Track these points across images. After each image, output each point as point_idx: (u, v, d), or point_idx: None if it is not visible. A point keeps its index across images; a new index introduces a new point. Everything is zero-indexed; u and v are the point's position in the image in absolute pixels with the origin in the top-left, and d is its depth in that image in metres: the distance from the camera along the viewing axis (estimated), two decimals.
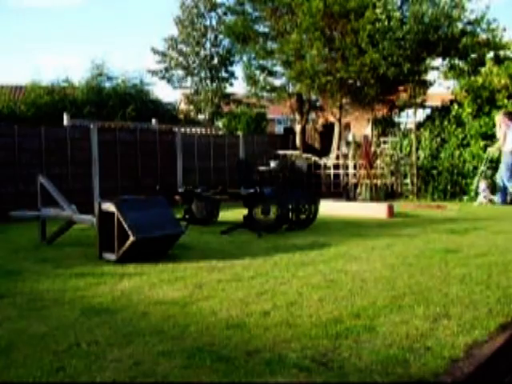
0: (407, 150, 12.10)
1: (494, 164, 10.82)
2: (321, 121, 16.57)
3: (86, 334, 2.75)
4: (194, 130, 13.28)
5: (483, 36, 12.05)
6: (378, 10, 11.45)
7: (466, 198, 11.22)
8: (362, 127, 16.89)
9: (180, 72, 20.02)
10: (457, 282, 3.76)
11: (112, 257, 4.73)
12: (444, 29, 11.54)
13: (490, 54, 11.62)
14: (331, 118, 14.93)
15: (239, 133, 13.68)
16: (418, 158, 11.75)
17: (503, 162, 9.94)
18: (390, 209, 8.12)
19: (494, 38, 11.88)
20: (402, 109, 13.81)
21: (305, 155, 13.56)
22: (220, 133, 14.76)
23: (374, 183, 11.31)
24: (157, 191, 8.26)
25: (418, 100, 12.86)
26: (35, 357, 2.44)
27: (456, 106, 11.59)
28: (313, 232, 6.50)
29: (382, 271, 4.15)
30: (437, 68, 12.78)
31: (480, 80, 10.77)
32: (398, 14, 11.57)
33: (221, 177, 12.09)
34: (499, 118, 10.19)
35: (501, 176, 9.98)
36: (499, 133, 10.23)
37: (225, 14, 18.15)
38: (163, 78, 19.95)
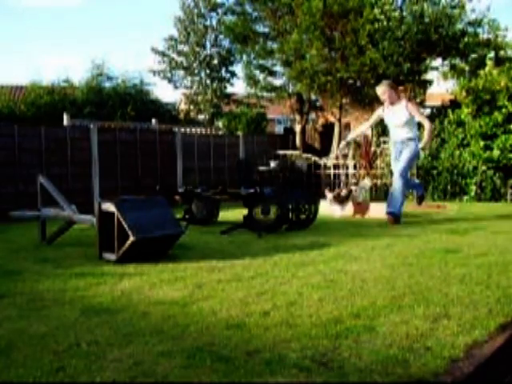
0: None
1: (494, 164, 10.82)
2: (321, 121, 16.58)
3: (86, 333, 2.75)
4: (193, 130, 13.29)
5: (484, 36, 12.06)
6: (376, 11, 11.46)
7: (466, 197, 11.23)
8: None
9: (180, 72, 20.03)
10: (457, 281, 3.76)
11: (112, 257, 4.73)
12: (444, 28, 11.55)
13: (491, 55, 11.63)
14: (331, 118, 14.93)
15: (239, 133, 13.69)
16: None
17: (404, 156, 7.18)
18: None
19: (496, 38, 11.87)
20: None
21: (305, 155, 13.56)
22: (220, 133, 14.77)
23: (374, 183, 11.30)
24: (157, 191, 8.26)
25: (418, 100, 12.87)
26: (35, 357, 2.44)
27: (455, 109, 11.60)
28: (313, 232, 6.50)
29: (382, 271, 4.15)
30: (437, 68, 12.79)
31: (481, 83, 10.76)
32: (397, 14, 11.57)
33: (221, 177, 12.09)
34: (384, 89, 7.34)
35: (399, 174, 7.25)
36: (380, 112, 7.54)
37: (225, 14, 18.16)
38: (164, 77, 19.97)
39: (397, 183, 7.18)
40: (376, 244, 5.44)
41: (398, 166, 7.18)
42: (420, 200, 8.03)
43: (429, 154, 11.74)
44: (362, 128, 8.01)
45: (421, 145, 7.16)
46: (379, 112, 7.55)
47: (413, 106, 7.18)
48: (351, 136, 8.19)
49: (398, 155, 7.24)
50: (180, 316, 3.05)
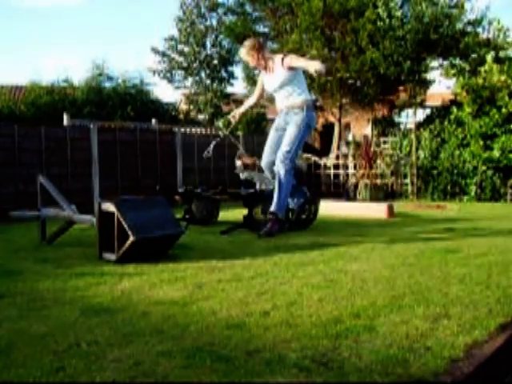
0: (407, 150, 12.11)
1: (494, 164, 10.82)
2: (321, 121, 16.59)
3: (86, 333, 2.75)
4: (194, 129, 13.29)
5: (484, 36, 12.07)
6: (379, 10, 11.47)
7: (466, 197, 11.23)
8: (361, 127, 16.92)
9: (180, 72, 20.03)
10: (457, 281, 3.76)
11: (112, 257, 4.73)
12: (444, 28, 11.56)
13: (491, 54, 11.64)
14: (331, 118, 14.94)
15: (239, 133, 13.69)
16: (417, 158, 11.77)
17: (289, 133, 5.60)
18: (390, 209, 8.12)
19: (497, 38, 11.88)
20: (401, 109, 13.83)
21: (305, 155, 13.57)
22: (220, 133, 14.77)
23: (373, 183, 11.31)
24: (157, 191, 8.26)
25: (418, 100, 12.89)
26: (35, 357, 2.44)
27: (455, 109, 11.60)
28: (313, 232, 6.50)
29: (382, 271, 4.15)
30: (437, 68, 12.81)
31: (480, 81, 10.76)
32: (399, 14, 11.59)
33: (221, 177, 12.09)
34: (246, 54, 5.69)
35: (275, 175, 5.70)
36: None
37: (225, 14, 18.16)
38: (164, 77, 19.96)
39: (281, 174, 5.54)
40: (376, 244, 5.44)
41: (281, 149, 5.51)
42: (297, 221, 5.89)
43: (429, 154, 11.75)
44: (252, 99, 6.24)
45: (314, 67, 5.25)
46: (261, 77, 6.00)
47: (290, 58, 5.50)
48: (243, 107, 6.38)
49: (279, 128, 5.70)
50: (180, 316, 3.05)
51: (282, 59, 5.54)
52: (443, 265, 4.36)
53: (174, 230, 5.02)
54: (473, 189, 11.09)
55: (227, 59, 19.75)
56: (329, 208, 8.37)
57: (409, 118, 13.66)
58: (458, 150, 11.32)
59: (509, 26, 12.08)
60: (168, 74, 19.83)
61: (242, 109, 6.31)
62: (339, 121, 13.76)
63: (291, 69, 5.50)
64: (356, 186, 11.64)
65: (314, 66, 5.19)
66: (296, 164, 12.27)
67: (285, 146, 5.51)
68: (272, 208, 5.62)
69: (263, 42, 5.74)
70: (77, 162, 9.73)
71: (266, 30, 14.51)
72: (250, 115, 15.49)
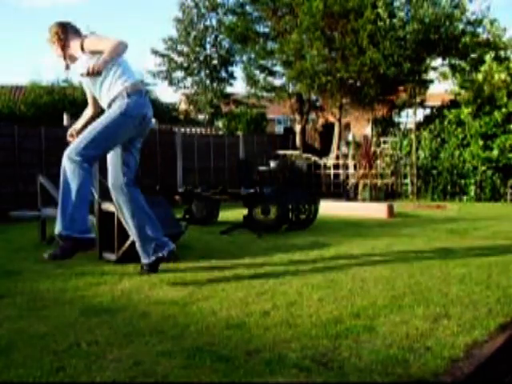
0: (407, 150, 12.11)
1: (494, 164, 10.82)
2: (321, 121, 16.58)
3: (86, 333, 2.75)
4: (194, 130, 13.29)
5: (484, 36, 12.07)
6: (380, 10, 11.46)
7: (465, 197, 11.24)
8: (362, 127, 16.91)
9: (180, 73, 20.01)
10: (457, 281, 3.77)
11: (112, 257, 4.73)
12: (445, 29, 11.56)
13: (490, 54, 11.64)
14: (331, 118, 14.95)
15: (239, 133, 13.68)
16: (417, 158, 11.77)
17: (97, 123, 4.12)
18: (390, 209, 8.13)
19: (495, 39, 11.88)
20: (401, 109, 13.83)
21: (305, 155, 13.57)
22: (220, 133, 14.77)
23: (373, 183, 11.31)
24: (157, 191, 8.26)
25: (418, 100, 12.88)
26: (35, 357, 2.44)
27: (455, 110, 11.59)
28: (313, 232, 6.50)
29: (382, 271, 4.15)
30: (437, 68, 12.80)
31: (480, 77, 10.75)
32: (402, 14, 11.59)
33: (221, 177, 12.09)
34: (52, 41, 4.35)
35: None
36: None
37: (225, 14, 18.15)
38: (165, 78, 19.94)
39: (66, 172, 3.93)
40: (376, 244, 5.44)
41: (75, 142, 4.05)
42: (150, 267, 4.18)
43: (429, 154, 11.74)
44: (89, 110, 4.75)
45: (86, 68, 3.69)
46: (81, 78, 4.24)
47: (89, 40, 4.00)
48: (80, 122, 4.82)
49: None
50: (180, 316, 3.05)
51: (81, 44, 4.02)
52: (443, 265, 4.36)
53: (174, 229, 5.01)
54: (473, 189, 11.10)
55: (227, 59, 19.74)
56: (329, 208, 8.37)
57: (409, 118, 13.66)
58: (457, 150, 11.33)
59: (507, 26, 12.08)
60: (168, 76, 19.80)
61: (80, 124, 4.77)
62: (339, 121, 13.76)
63: (96, 54, 3.90)
64: (356, 186, 11.64)
65: (104, 57, 3.69)
66: (297, 164, 12.09)
67: (79, 139, 4.03)
68: (56, 229, 3.88)
69: (71, 26, 4.22)
70: None
71: (267, 30, 14.52)
72: (249, 115, 15.47)
